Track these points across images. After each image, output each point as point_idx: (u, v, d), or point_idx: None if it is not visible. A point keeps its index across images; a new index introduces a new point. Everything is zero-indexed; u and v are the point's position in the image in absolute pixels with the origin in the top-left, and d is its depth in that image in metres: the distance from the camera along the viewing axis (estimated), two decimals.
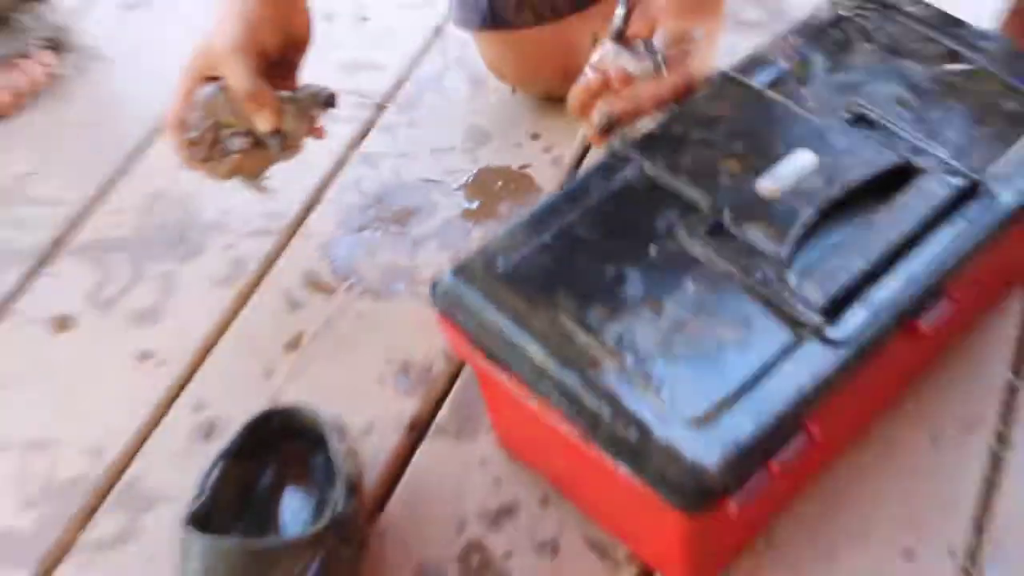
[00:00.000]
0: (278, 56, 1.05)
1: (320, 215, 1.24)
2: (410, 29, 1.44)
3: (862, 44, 1.03)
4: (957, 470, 0.97)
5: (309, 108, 1.05)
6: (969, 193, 0.90)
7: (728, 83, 1.02)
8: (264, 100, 1.01)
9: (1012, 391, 1.02)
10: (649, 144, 0.96)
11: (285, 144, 1.05)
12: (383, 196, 1.25)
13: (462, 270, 0.88)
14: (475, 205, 1.23)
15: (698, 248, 0.88)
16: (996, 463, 0.97)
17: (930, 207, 0.88)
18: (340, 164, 1.29)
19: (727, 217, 0.89)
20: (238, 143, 1.03)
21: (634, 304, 0.85)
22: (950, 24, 1.03)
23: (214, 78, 1.02)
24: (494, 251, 0.89)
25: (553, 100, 1.30)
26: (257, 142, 1.04)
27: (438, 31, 1.43)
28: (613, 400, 0.80)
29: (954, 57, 1.01)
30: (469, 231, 1.20)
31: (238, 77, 1.00)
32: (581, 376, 0.81)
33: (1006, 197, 0.90)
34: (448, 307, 0.88)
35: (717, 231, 0.89)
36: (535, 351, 0.83)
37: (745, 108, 0.99)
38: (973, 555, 0.92)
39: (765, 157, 0.93)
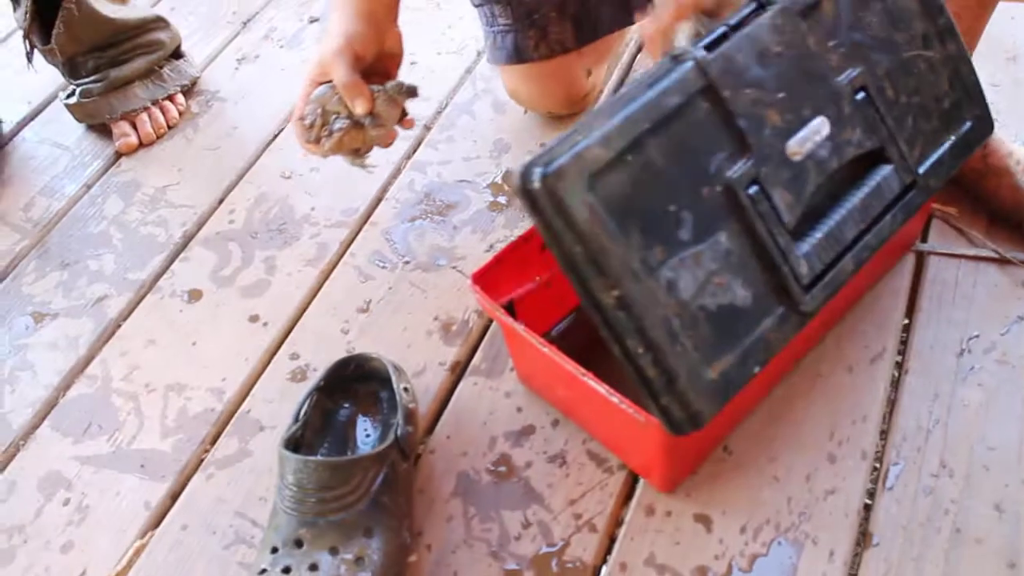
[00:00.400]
0: (373, 62, 1.00)
1: (383, 209, 1.19)
2: (448, 70, 1.38)
3: (875, 3, 0.80)
4: (867, 392, 0.92)
5: (396, 95, 0.99)
6: (908, 188, 0.80)
7: (788, 10, 0.76)
8: (358, 89, 0.96)
9: (906, 329, 0.97)
10: (724, 66, 0.72)
11: (377, 124, 0.99)
12: (430, 194, 1.20)
13: (557, 175, 0.65)
14: (499, 199, 1.17)
15: (737, 201, 0.71)
16: (896, 385, 0.93)
17: (886, 201, 0.78)
18: (398, 171, 1.24)
19: (763, 173, 0.72)
20: (339, 124, 0.98)
21: (683, 248, 0.69)
22: (937, 9, 0.83)
23: (327, 82, 0.98)
24: (588, 161, 0.66)
25: (555, 118, 1.26)
26: (355, 124, 0.98)
27: (468, 71, 1.38)
28: (652, 346, 0.68)
29: (930, 43, 0.83)
30: (494, 219, 1.15)
31: (338, 73, 0.96)
32: (630, 316, 0.67)
33: (925, 191, 0.82)
34: (548, 201, 0.66)
35: (753, 184, 0.72)
36: (600, 287, 0.67)
37: (796, 48, 0.75)
38: (880, 457, 0.88)
39: (797, 113, 0.75)
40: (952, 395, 0.91)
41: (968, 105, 0.85)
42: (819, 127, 0.75)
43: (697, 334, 0.69)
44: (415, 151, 1.26)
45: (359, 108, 0.97)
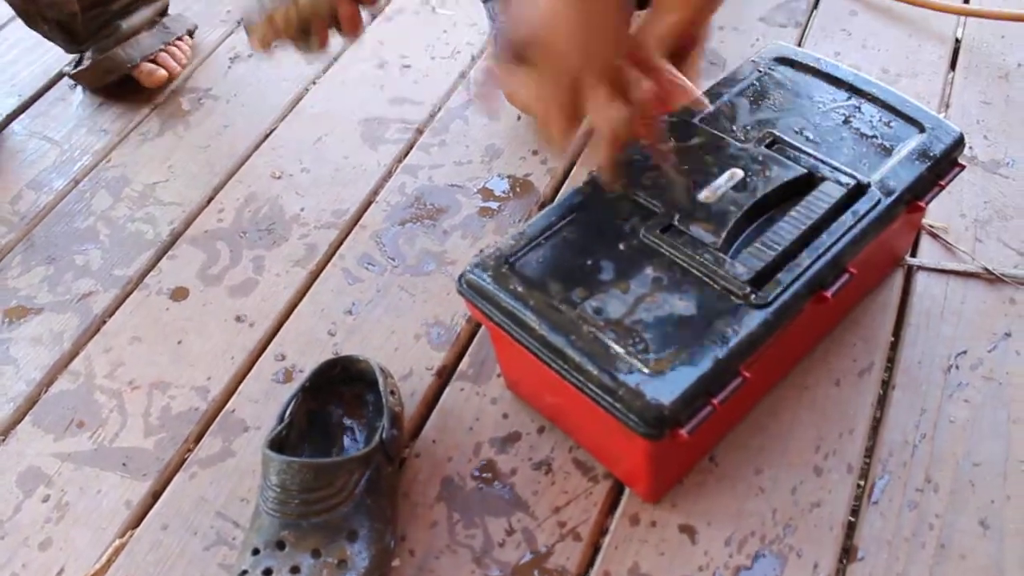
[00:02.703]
0: None
1: (373, 212, 1.18)
2: (441, 74, 1.37)
3: (774, 91, 0.98)
4: (853, 406, 0.92)
5: None
6: (858, 193, 0.87)
7: (676, 122, 0.95)
8: None
9: (894, 345, 0.97)
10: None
11: None
12: (420, 197, 1.19)
13: (479, 265, 0.85)
14: (489, 204, 1.17)
15: (655, 242, 0.85)
16: (882, 401, 0.93)
17: (828, 204, 0.86)
18: (389, 174, 1.23)
19: (676, 219, 0.86)
20: None
21: (607, 285, 0.82)
22: (838, 73, 0.99)
23: None
24: (502, 251, 0.86)
25: None
26: None
27: (462, 75, 1.36)
28: (591, 356, 0.77)
29: (842, 97, 0.97)
30: (484, 224, 1.14)
31: None
32: (567, 339, 0.79)
33: (885, 195, 0.87)
34: (470, 292, 0.85)
35: (669, 229, 0.86)
36: (533, 322, 0.81)
37: (690, 140, 0.93)
38: (865, 471, 0.88)
39: (704, 174, 0.89)
40: (939, 410, 0.90)
41: (913, 123, 0.94)
42: (731, 175, 0.89)
43: (635, 341, 0.77)
44: (407, 154, 1.25)
45: None
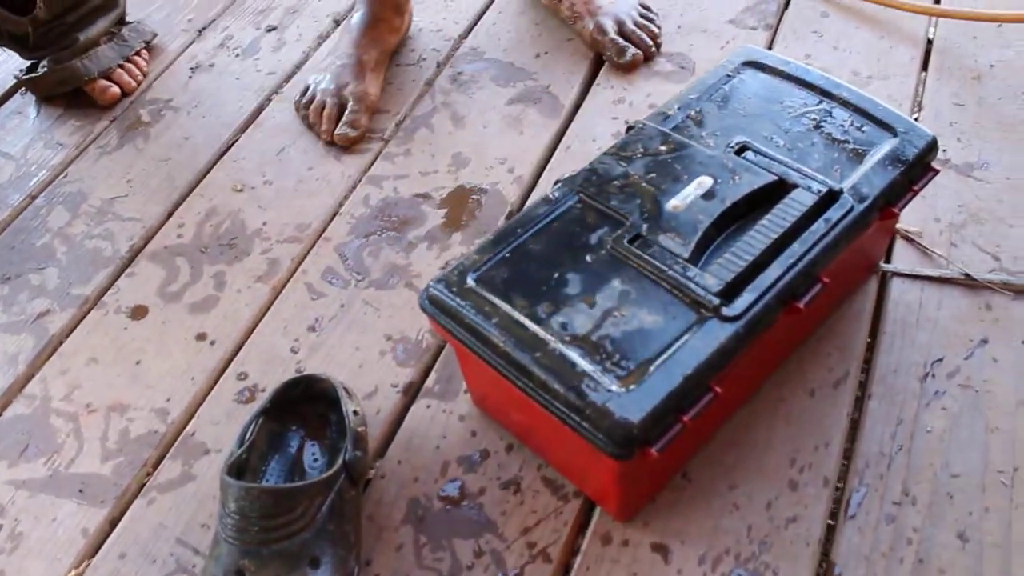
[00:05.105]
0: None
1: (337, 224, 1.16)
2: (407, 82, 1.35)
3: (744, 96, 0.97)
4: (829, 417, 0.90)
5: None
6: (830, 200, 0.85)
7: (644, 129, 0.94)
8: None
9: (869, 354, 0.96)
10: (584, 180, 0.90)
11: None
12: (385, 209, 1.17)
13: (442, 280, 0.83)
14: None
15: (623, 254, 0.83)
16: (858, 410, 0.91)
17: (800, 212, 0.84)
18: (353, 185, 1.21)
19: (644, 229, 0.84)
20: None
21: (573, 299, 0.80)
22: (808, 77, 0.98)
23: None
24: (464, 266, 0.84)
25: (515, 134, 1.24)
26: None
27: (428, 84, 1.34)
28: (557, 373, 0.76)
29: (812, 101, 0.95)
30: (451, 236, 1.12)
31: None
32: (531, 356, 0.77)
33: (858, 202, 0.85)
34: (432, 309, 0.83)
35: (637, 240, 0.84)
36: (497, 338, 0.79)
37: (657, 147, 0.92)
38: (841, 485, 0.86)
39: (673, 182, 0.88)
40: (915, 420, 0.89)
41: (885, 127, 0.92)
42: (699, 183, 0.87)
43: (602, 357, 0.76)
44: (371, 165, 1.23)
45: None
